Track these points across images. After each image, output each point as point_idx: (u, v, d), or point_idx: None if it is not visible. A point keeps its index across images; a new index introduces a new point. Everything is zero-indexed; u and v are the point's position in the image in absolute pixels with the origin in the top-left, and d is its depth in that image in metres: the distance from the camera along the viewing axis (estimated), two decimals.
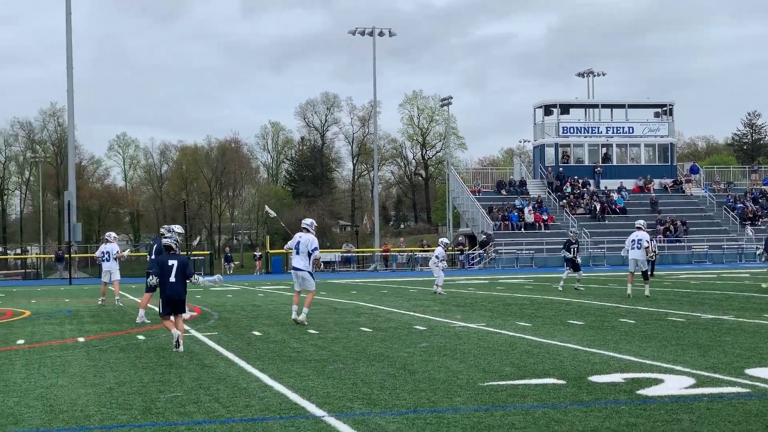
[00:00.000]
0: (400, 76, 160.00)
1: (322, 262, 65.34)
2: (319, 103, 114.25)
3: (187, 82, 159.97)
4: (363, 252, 71.04)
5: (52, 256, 67.81)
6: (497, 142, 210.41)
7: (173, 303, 14.78)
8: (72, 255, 57.74)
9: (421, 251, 63.60)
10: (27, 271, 68.29)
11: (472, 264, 62.86)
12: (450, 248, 65.80)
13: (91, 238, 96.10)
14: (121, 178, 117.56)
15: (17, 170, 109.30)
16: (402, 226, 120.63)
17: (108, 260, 26.53)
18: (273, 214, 24.03)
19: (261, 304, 26.03)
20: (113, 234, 28.81)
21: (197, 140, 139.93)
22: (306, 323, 18.67)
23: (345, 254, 66.95)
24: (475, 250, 64.66)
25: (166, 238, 15.86)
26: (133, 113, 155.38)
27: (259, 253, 68.84)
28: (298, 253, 19.09)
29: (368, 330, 17.53)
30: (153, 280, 15.19)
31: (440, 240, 32.81)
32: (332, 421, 8.68)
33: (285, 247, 20.90)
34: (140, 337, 16.89)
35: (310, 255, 18.99)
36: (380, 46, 75.24)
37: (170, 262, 14.75)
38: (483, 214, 66.67)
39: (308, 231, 19.25)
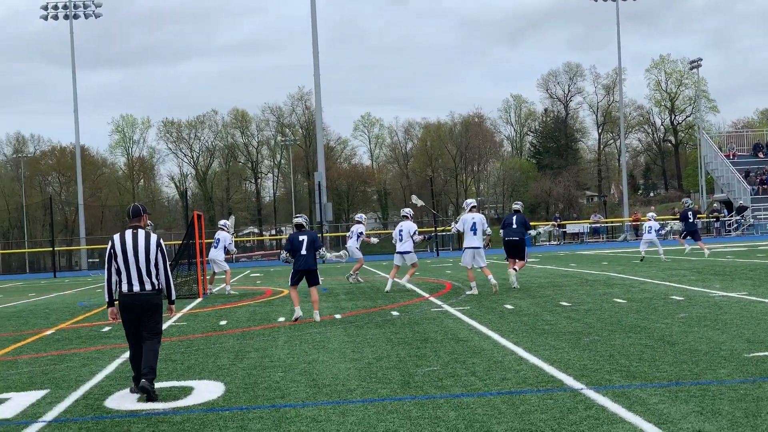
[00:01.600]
0: (640, 40, 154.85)
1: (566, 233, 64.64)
2: (561, 73, 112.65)
3: (425, 60, 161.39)
4: (612, 222, 69.69)
5: None
6: (751, 102, 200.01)
7: (304, 274, 16.62)
8: (323, 234, 59.59)
9: (673, 219, 61.68)
10: (282, 251, 71.06)
11: (729, 231, 60.40)
12: (704, 215, 63.59)
13: (341, 218, 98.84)
14: (367, 157, 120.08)
15: (269, 154, 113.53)
16: (651, 194, 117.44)
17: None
18: (420, 203, 24.30)
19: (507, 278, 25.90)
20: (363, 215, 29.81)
21: (440, 117, 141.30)
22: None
23: (593, 225, 65.88)
24: (731, 216, 62.08)
25: (297, 217, 17.10)
26: (375, 93, 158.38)
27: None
28: (475, 233, 20.69)
29: (622, 301, 17.15)
30: (283, 255, 16.94)
31: (649, 214, 34.36)
32: (591, 393, 8.53)
33: (454, 228, 21.67)
34: (394, 312, 17.20)
35: (485, 234, 21.07)
36: (620, 11, 73.06)
37: (300, 238, 16.58)
38: (739, 179, 63.85)
39: (479, 211, 21.36)
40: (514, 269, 21.98)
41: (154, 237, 9.93)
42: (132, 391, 9.74)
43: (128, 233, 9.86)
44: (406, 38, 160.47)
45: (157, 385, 9.91)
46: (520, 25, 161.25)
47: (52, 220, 65.12)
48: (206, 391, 9.61)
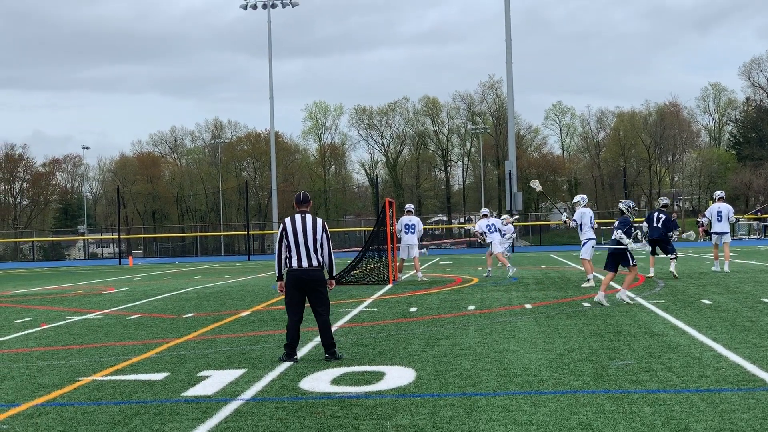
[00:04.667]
0: None
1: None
2: (764, 60, 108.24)
3: (614, 48, 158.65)
4: None
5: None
6: None
7: (613, 256, 16.77)
8: (514, 223, 59.17)
9: None
10: (471, 239, 71.27)
11: None
12: None
13: (530, 207, 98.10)
14: (558, 146, 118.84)
15: (459, 142, 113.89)
16: None
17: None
18: (540, 188, 23.95)
19: (708, 272, 25.19)
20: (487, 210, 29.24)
21: (634, 106, 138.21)
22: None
23: None
24: None
25: (621, 202, 17.38)
26: (566, 82, 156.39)
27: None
28: (593, 226, 21.71)
29: None
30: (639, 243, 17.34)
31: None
32: None
33: (572, 223, 21.84)
34: (585, 304, 16.94)
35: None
36: None
37: (616, 223, 16.93)
38: None
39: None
40: None
41: (320, 221, 11.38)
42: (281, 359, 11.05)
43: (297, 217, 11.34)
44: (592, 26, 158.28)
45: (350, 369, 10.25)
46: (708, 12, 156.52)
47: (247, 204, 67.29)
48: (398, 376, 9.67)
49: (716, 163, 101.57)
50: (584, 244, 21.58)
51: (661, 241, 22.96)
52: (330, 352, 11.08)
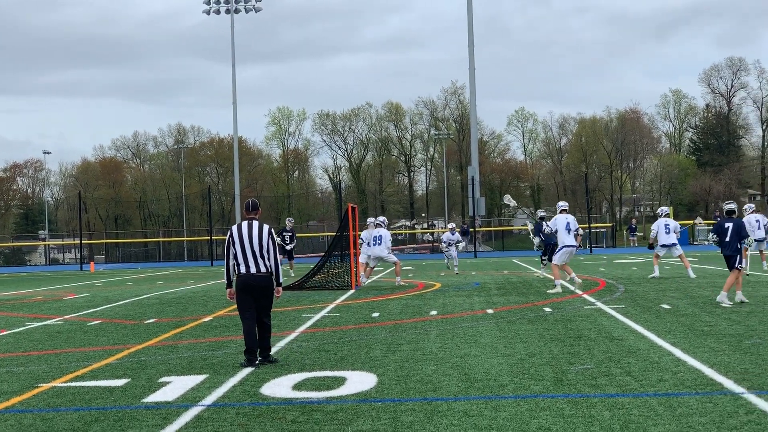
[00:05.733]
0: None
1: None
2: (723, 68, 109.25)
3: (575, 56, 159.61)
4: None
5: (458, 230, 70.20)
6: None
7: (728, 258, 16.62)
8: (476, 228, 59.43)
9: None
10: (434, 244, 71.41)
11: None
12: None
13: (493, 212, 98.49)
14: (520, 152, 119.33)
15: (422, 147, 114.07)
16: None
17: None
18: (513, 203, 24.16)
19: (668, 277, 25.40)
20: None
21: (596, 112, 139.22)
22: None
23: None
24: None
25: (727, 203, 17.20)
26: (528, 89, 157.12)
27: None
28: (569, 233, 21.35)
29: None
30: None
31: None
32: (752, 398, 8.26)
33: (547, 229, 22.17)
34: (547, 309, 17.03)
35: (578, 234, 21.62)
36: None
37: (726, 225, 16.56)
38: None
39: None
40: None
41: (266, 227, 11.50)
42: (243, 365, 11.05)
43: (244, 224, 11.50)
44: (554, 35, 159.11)
45: (311, 374, 10.26)
46: (668, 20, 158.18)
47: (210, 209, 66.92)
48: (359, 381, 9.69)
49: (676, 169, 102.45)
50: (560, 249, 21.46)
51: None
52: (264, 355, 11.30)
